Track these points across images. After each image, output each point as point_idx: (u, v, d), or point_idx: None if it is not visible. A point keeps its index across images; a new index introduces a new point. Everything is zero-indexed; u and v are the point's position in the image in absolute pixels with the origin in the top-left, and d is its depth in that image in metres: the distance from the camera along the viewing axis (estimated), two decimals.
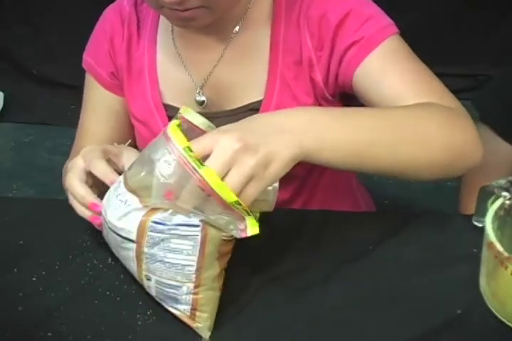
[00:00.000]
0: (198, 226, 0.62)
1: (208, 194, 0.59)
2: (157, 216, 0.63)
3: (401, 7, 2.14)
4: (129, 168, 0.68)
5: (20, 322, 0.70)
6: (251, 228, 0.61)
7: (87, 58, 0.99)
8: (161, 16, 0.92)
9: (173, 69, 0.94)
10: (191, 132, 0.67)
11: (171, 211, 0.63)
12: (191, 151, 0.60)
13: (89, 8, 0.98)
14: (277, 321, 0.69)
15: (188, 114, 0.69)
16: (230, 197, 0.59)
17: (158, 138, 0.64)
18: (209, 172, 0.58)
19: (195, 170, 0.58)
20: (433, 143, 0.73)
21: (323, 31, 0.85)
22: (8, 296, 0.73)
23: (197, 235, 0.62)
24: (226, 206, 0.60)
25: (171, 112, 0.93)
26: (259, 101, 0.89)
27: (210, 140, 0.61)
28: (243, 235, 0.62)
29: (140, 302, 0.70)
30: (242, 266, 0.73)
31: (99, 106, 1.00)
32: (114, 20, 0.96)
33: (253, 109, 0.90)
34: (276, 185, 0.65)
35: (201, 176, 0.58)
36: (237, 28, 0.89)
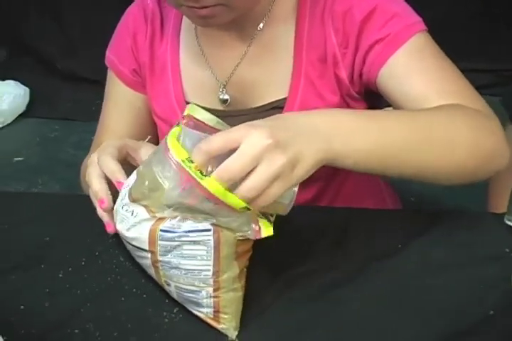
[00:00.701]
0: (209, 230, 0.61)
1: (215, 203, 0.58)
2: (165, 224, 0.62)
3: (425, 2, 2.13)
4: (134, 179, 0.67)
5: (46, 319, 0.70)
6: (265, 229, 0.60)
7: (110, 55, 0.99)
8: None
9: (196, 68, 0.93)
10: (199, 129, 0.65)
11: (179, 218, 0.62)
12: (191, 162, 0.58)
13: (113, 4, 0.98)
14: (301, 321, 0.68)
15: (194, 111, 0.66)
16: (238, 203, 0.58)
17: (159, 149, 0.63)
18: (211, 183, 0.57)
19: (197, 182, 0.57)
20: (461, 147, 0.71)
21: (348, 27, 0.83)
22: (35, 292, 0.73)
23: (209, 239, 0.61)
24: (236, 211, 0.59)
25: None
26: (283, 99, 0.88)
27: (239, 133, 0.59)
28: (258, 236, 0.61)
29: (166, 300, 0.70)
30: (265, 265, 0.73)
31: (121, 102, 1.00)
32: (137, 16, 0.95)
33: (277, 107, 0.89)
34: (296, 188, 0.63)
35: (204, 187, 0.57)
36: (261, 25, 0.88)
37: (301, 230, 0.78)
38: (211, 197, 0.58)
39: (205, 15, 0.77)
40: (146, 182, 0.63)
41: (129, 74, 0.97)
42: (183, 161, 0.58)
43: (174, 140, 0.61)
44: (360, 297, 0.70)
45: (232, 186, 0.58)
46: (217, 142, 0.59)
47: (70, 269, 0.76)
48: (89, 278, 0.74)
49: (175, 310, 0.69)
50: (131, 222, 0.65)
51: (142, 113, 1.00)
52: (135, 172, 0.68)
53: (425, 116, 0.73)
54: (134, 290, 0.72)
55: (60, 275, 0.75)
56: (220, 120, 0.67)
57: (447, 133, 0.71)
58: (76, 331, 0.68)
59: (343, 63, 0.85)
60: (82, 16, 2.41)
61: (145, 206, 0.64)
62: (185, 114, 0.65)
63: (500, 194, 0.84)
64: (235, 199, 0.58)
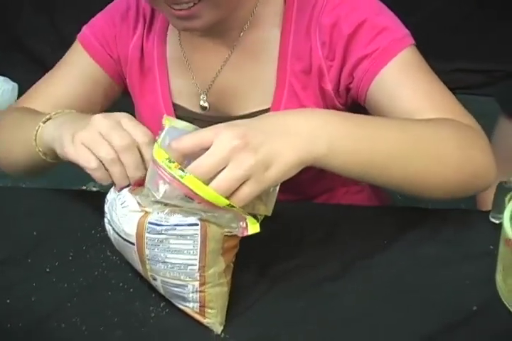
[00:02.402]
0: (196, 225, 0.61)
1: (198, 202, 0.59)
2: (154, 217, 0.62)
3: (417, 2, 2.14)
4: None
5: (33, 313, 0.70)
6: (251, 226, 0.61)
7: (87, 32, 0.95)
8: None
9: (179, 70, 0.92)
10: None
11: (167, 211, 0.62)
12: (171, 162, 0.59)
13: (106, 2, 0.97)
14: (288, 316, 0.68)
15: (171, 122, 0.67)
16: (221, 201, 0.58)
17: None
18: (192, 181, 0.58)
19: (178, 180, 0.58)
20: (448, 161, 0.71)
21: (335, 40, 0.82)
22: (22, 287, 0.73)
23: (196, 234, 0.61)
24: (221, 208, 0.60)
25: (181, 112, 0.92)
26: (266, 110, 0.87)
27: (211, 132, 0.60)
28: (244, 233, 0.61)
29: (153, 294, 0.70)
30: (253, 261, 0.73)
31: (80, 72, 0.95)
32: (131, 5, 0.93)
33: None
34: (277, 188, 0.63)
35: (185, 185, 0.58)
36: (243, 31, 0.86)
37: (288, 226, 0.78)
38: (193, 196, 0.58)
39: (184, 15, 0.75)
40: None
41: (104, 54, 0.94)
42: (163, 161, 0.59)
43: (156, 146, 0.62)
44: (348, 293, 0.71)
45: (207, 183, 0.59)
46: (187, 141, 0.60)
47: (57, 263, 0.76)
48: (76, 273, 0.74)
49: (161, 305, 0.69)
50: (121, 213, 0.65)
51: (98, 90, 0.95)
52: None
53: (417, 126, 0.72)
54: (121, 284, 0.72)
55: (47, 269, 0.75)
56: (197, 128, 0.67)
57: (435, 145, 0.70)
58: (63, 325, 0.68)
59: (328, 76, 0.84)
60: (74, 14, 2.40)
61: (135, 197, 0.64)
62: (164, 124, 0.66)
63: (488, 191, 0.84)
64: (217, 197, 0.58)
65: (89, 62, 0.94)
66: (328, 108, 0.86)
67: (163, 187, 0.60)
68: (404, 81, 0.79)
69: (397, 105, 0.78)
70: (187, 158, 0.61)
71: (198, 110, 0.92)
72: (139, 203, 0.64)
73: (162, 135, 0.64)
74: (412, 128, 0.71)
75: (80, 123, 0.70)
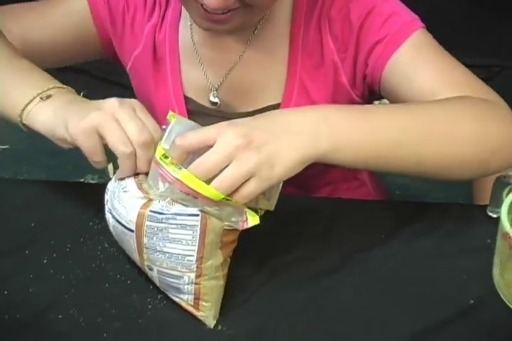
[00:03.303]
0: (197, 215, 0.61)
1: (194, 196, 0.59)
2: (155, 205, 0.63)
3: None
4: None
5: (30, 304, 0.70)
6: (251, 218, 0.61)
7: None
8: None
9: (190, 65, 0.91)
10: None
11: (168, 199, 0.62)
12: (166, 158, 0.60)
13: None
14: (287, 309, 0.68)
15: (175, 119, 0.67)
16: (216, 195, 0.59)
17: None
18: (187, 176, 0.58)
19: (173, 176, 0.58)
20: (465, 138, 0.69)
21: (346, 32, 0.82)
22: (19, 278, 0.73)
23: (196, 225, 0.61)
24: (219, 203, 0.60)
25: (192, 106, 0.91)
26: (277, 105, 0.87)
27: (215, 131, 0.60)
28: (245, 226, 0.62)
29: (151, 286, 0.70)
30: (252, 253, 0.73)
31: (70, 11, 0.90)
32: None
33: None
34: (280, 184, 0.64)
35: (180, 181, 0.58)
36: (257, 29, 0.86)
37: (287, 220, 0.78)
38: (189, 191, 0.59)
39: (216, 19, 0.74)
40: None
41: (106, 15, 0.90)
42: (160, 158, 0.60)
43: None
44: (345, 286, 0.71)
45: (211, 181, 0.60)
46: (191, 138, 0.61)
47: (54, 255, 0.76)
48: (73, 264, 0.74)
49: (159, 297, 0.69)
50: (122, 199, 0.65)
51: (78, 38, 0.91)
52: None
53: (425, 110, 0.71)
54: (119, 276, 0.72)
55: (45, 261, 0.75)
56: (200, 126, 0.67)
57: (452, 124, 0.69)
58: (60, 316, 0.68)
59: (343, 68, 0.84)
60: None
61: (138, 183, 0.65)
62: (169, 120, 0.66)
63: (484, 187, 0.84)
64: (212, 191, 0.59)
65: (86, 15, 0.90)
66: (342, 102, 0.85)
67: (162, 185, 0.61)
68: (418, 63, 0.79)
69: (413, 87, 0.78)
70: (191, 155, 0.61)
71: (207, 104, 0.91)
72: (140, 189, 0.64)
73: (167, 131, 0.65)
74: (422, 112, 0.70)
75: (89, 107, 0.67)
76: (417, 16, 0.82)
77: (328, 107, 0.68)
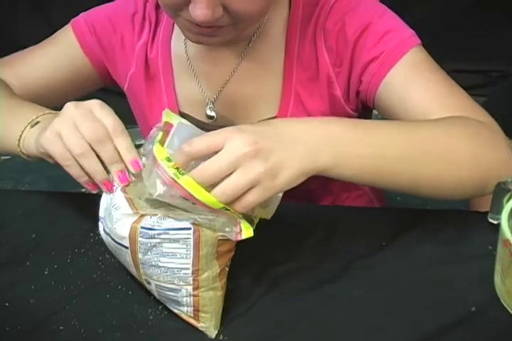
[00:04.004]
0: (189, 229, 0.61)
1: (192, 202, 0.59)
2: (146, 221, 0.62)
3: (414, 2, 2.14)
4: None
5: (31, 316, 0.69)
6: (245, 231, 0.61)
7: (82, 20, 0.94)
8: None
9: (185, 79, 0.91)
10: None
11: (159, 215, 0.62)
12: (169, 161, 0.59)
13: (102, 4, 0.97)
14: (288, 317, 0.68)
15: (171, 117, 0.68)
16: (215, 203, 0.58)
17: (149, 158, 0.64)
18: (188, 182, 0.58)
19: (174, 180, 0.58)
20: (461, 159, 0.69)
21: (341, 46, 0.82)
22: (20, 289, 0.73)
23: (189, 238, 0.61)
24: (216, 211, 0.60)
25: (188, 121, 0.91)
26: (273, 118, 0.87)
27: (223, 136, 0.60)
28: (238, 238, 0.61)
29: (152, 297, 0.70)
30: (253, 262, 0.73)
31: (62, 55, 0.94)
32: (138, 10, 0.91)
33: None
34: (280, 194, 0.63)
35: (181, 186, 0.58)
36: (251, 42, 0.86)
37: (287, 228, 0.78)
38: (188, 196, 0.58)
39: (209, 33, 0.74)
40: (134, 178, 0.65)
41: (95, 46, 0.92)
42: (162, 161, 0.59)
43: (157, 144, 0.62)
44: (347, 294, 0.71)
45: (213, 187, 0.59)
46: (199, 144, 0.60)
47: (55, 266, 0.76)
48: (74, 275, 0.74)
49: (160, 307, 0.69)
50: (115, 216, 0.65)
51: (75, 76, 0.94)
52: None
53: (425, 127, 0.71)
54: (120, 287, 0.72)
55: (46, 272, 0.75)
56: (194, 127, 0.68)
57: (445, 145, 0.69)
58: (61, 328, 0.68)
59: (337, 82, 0.84)
60: (70, 13, 2.40)
61: (128, 199, 0.64)
62: (163, 120, 0.67)
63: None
64: (211, 199, 0.58)
65: (75, 48, 0.93)
66: (338, 115, 0.84)
67: (160, 187, 0.60)
68: (413, 82, 0.78)
69: (407, 107, 0.77)
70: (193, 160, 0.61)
71: (203, 119, 0.91)
72: (131, 205, 0.64)
73: (170, 135, 0.64)
74: (420, 130, 0.70)
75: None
76: (413, 32, 0.81)
77: (332, 120, 0.67)
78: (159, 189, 0.60)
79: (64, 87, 0.95)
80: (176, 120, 0.67)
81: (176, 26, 0.90)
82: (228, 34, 0.76)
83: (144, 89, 0.93)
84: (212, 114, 0.90)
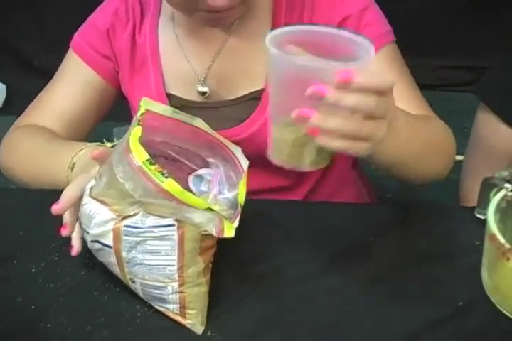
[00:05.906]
0: (172, 225, 0.61)
1: (177, 203, 0.59)
2: (129, 220, 0.62)
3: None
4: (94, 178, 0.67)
5: (19, 313, 0.69)
6: (227, 230, 0.61)
7: (78, 37, 0.97)
8: (163, 5, 0.92)
9: (174, 60, 0.93)
10: (156, 120, 0.68)
11: (142, 213, 0.62)
12: (151, 164, 0.59)
13: (92, 3, 0.98)
14: (276, 312, 0.68)
15: (148, 105, 0.68)
16: (201, 204, 0.59)
17: (119, 148, 0.63)
18: (171, 185, 0.58)
19: (157, 184, 0.58)
20: (440, 150, 0.80)
21: None
22: (8, 287, 0.73)
23: (173, 235, 0.61)
24: (200, 210, 0.60)
25: (175, 102, 0.92)
26: (260, 90, 0.89)
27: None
28: (220, 235, 0.61)
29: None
30: (240, 258, 0.73)
31: (77, 81, 0.97)
32: (119, 8, 0.94)
33: (254, 98, 0.90)
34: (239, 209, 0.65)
35: (165, 189, 0.58)
36: (239, 19, 0.87)
37: (276, 224, 0.78)
38: (172, 199, 0.59)
39: (223, 16, 0.79)
40: (105, 180, 0.64)
41: (97, 57, 0.95)
42: (143, 163, 0.59)
43: (135, 141, 0.61)
44: (335, 289, 0.71)
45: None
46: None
47: (42, 264, 0.75)
48: (62, 273, 0.74)
49: (148, 304, 0.69)
50: (93, 222, 0.65)
51: (96, 95, 0.97)
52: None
53: (428, 124, 0.79)
54: (107, 284, 0.72)
55: (33, 270, 0.74)
56: (176, 109, 0.69)
57: (439, 138, 0.79)
58: (49, 325, 0.67)
59: None
60: (62, 14, 2.39)
61: (107, 204, 0.64)
62: (140, 109, 0.67)
63: (474, 182, 0.85)
64: (197, 201, 0.59)
65: (85, 69, 0.96)
66: None
67: (141, 188, 0.60)
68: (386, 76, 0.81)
69: None
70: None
71: (194, 98, 0.93)
72: (112, 209, 0.63)
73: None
74: (428, 125, 0.78)
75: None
76: (390, 28, 0.86)
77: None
78: (140, 191, 0.60)
79: (90, 107, 0.97)
80: (153, 107, 0.67)
81: (163, 9, 0.93)
82: (240, 11, 0.81)
83: (129, 78, 0.95)
84: (205, 89, 0.92)
